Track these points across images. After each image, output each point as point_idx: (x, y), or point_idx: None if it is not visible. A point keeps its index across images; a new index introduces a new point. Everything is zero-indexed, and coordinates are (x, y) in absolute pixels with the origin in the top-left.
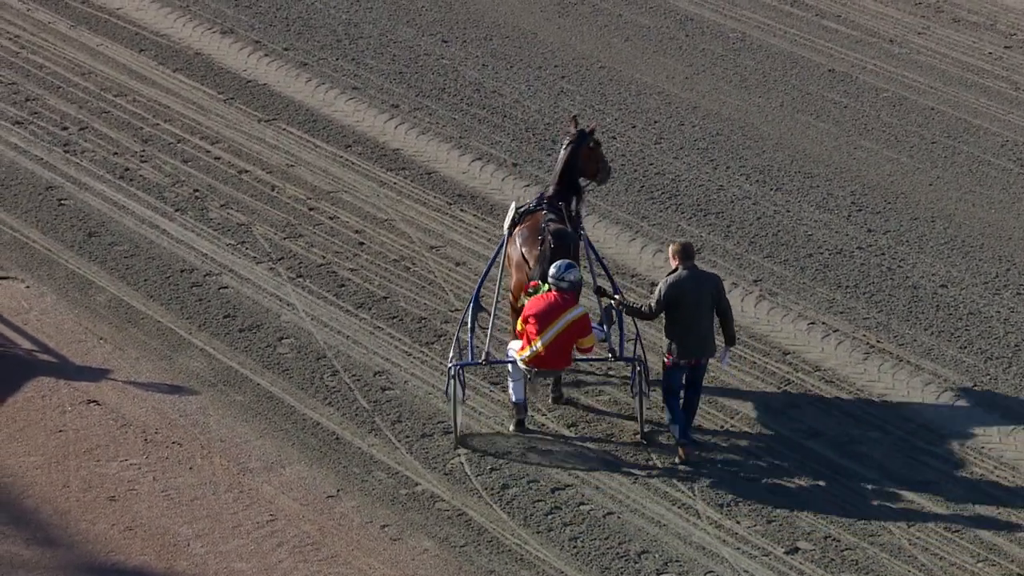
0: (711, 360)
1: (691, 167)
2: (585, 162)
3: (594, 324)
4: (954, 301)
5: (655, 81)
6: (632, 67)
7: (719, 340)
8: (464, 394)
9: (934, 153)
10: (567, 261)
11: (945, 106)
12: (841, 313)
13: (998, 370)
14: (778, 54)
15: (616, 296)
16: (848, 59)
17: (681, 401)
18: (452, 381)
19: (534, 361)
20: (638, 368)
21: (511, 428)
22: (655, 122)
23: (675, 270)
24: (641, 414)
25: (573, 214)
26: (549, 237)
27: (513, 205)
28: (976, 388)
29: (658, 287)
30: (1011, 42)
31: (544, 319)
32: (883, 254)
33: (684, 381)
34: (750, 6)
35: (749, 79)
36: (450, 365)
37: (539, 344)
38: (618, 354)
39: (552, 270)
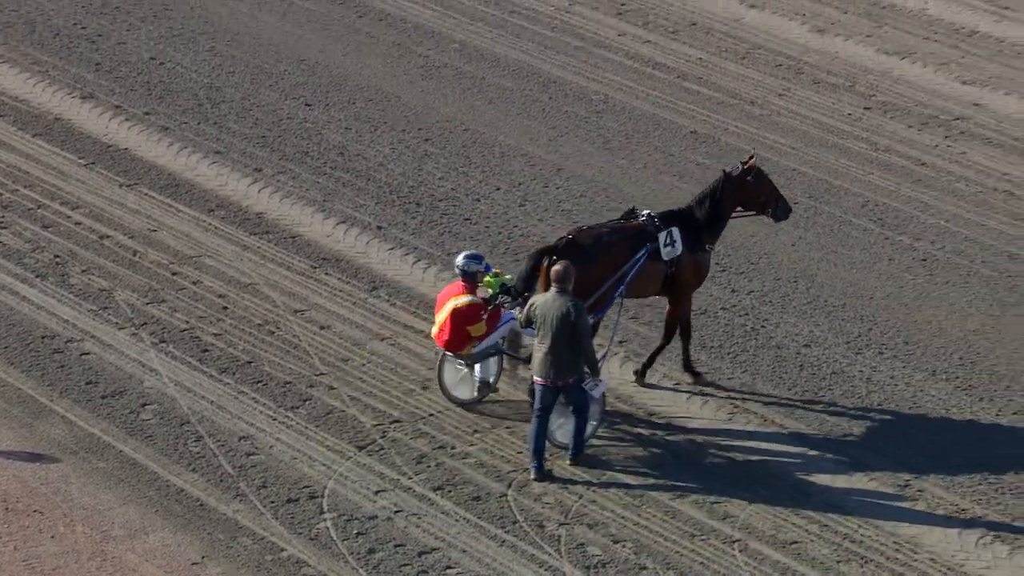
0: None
1: (556, 229)
2: (743, 196)
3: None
4: (817, 361)
5: (519, 143)
6: (496, 129)
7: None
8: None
9: (796, 214)
10: (474, 252)
11: (806, 167)
12: (705, 374)
13: (861, 429)
14: (641, 116)
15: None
16: (710, 121)
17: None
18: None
19: (436, 339)
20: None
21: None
22: (519, 184)
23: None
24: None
25: (665, 239)
26: (534, 252)
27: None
28: (841, 447)
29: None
30: (870, 103)
31: (440, 302)
32: (747, 314)
33: (563, 403)
34: (612, 68)
35: (612, 141)
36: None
37: (435, 325)
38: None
39: (458, 258)
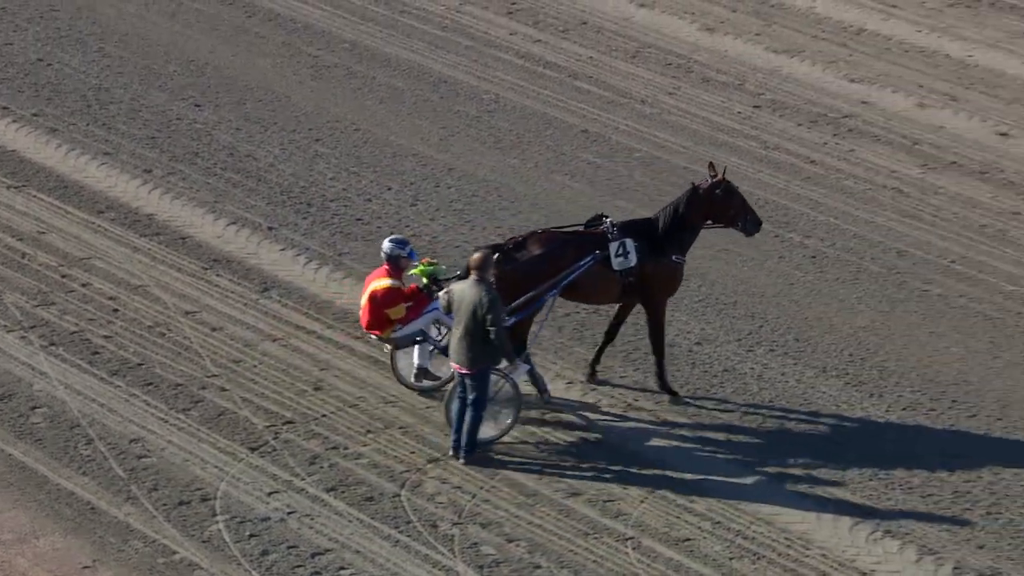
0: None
1: (447, 228)
2: (711, 209)
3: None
4: (709, 358)
5: (410, 143)
6: (387, 129)
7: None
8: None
9: None
10: (399, 238)
11: (697, 165)
12: (598, 372)
13: (753, 426)
14: (532, 115)
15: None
16: (601, 119)
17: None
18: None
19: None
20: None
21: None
22: (411, 184)
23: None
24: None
25: (616, 249)
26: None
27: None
28: (733, 444)
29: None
30: (759, 101)
31: (365, 284)
32: (639, 312)
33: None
34: (503, 68)
35: (504, 140)
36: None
37: (360, 306)
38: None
39: (384, 243)
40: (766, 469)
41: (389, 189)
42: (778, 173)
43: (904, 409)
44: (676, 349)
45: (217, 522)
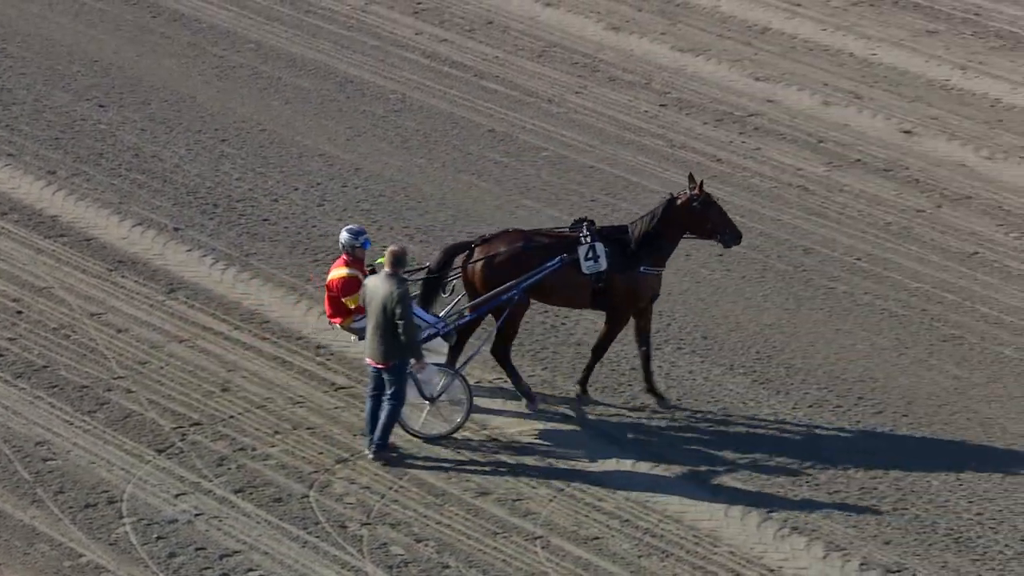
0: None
1: None
2: (689, 221)
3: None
4: (617, 357)
5: (316, 143)
6: (293, 129)
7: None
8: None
9: (594, 211)
10: (355, 227)
11: (604, 164)
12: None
13: (661, 424)
14: (439, 115)
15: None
16: (508, 119)
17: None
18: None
19: None
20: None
21: None
22: (318, 184)
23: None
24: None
25: (586, 253)
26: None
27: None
28: (641, 442)
29: None
30: (666, 100)
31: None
32: (547, 311)
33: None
34: (409, 67)
35: (410, 140)
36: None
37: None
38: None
39: (341, 232)
40: (674, 467)
41: (296, 189)
42: (685, 171)
43: (811, 406)
44: (584, 348)
45: (124, 524)
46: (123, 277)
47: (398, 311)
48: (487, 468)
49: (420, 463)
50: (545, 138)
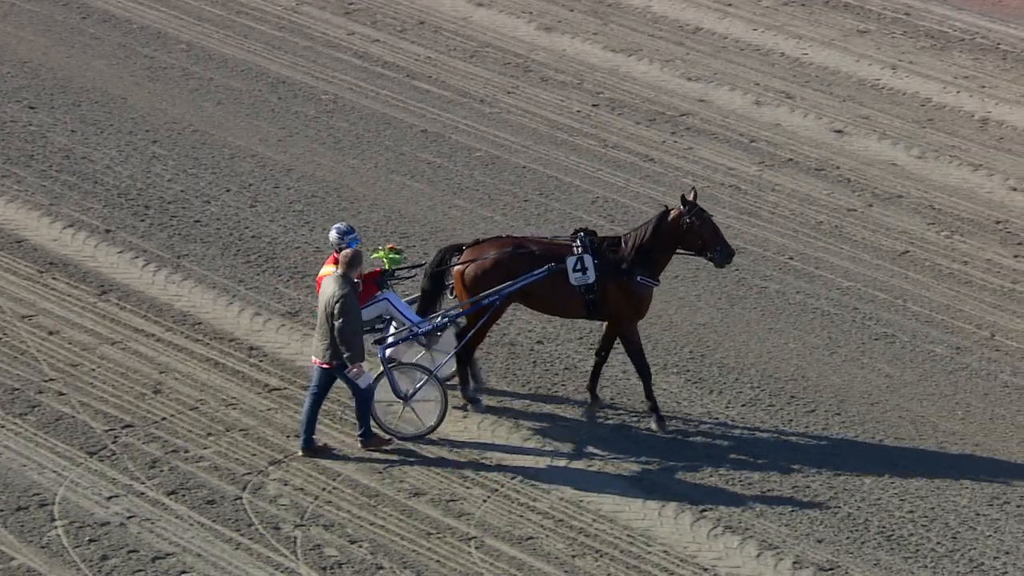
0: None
1: (287, 229)
2: (681, 236)
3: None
4: (550, 357)
5: (249, 144)
6: (225, 130)
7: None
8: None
9: (527, 211)
10: (341, 226)
11: (537, 164)
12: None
13: (594, 424)
14: (371, 115)
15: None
16: (440, 119)
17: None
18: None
19: None
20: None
21: None
22: (250, 185)
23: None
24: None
25: (574, 264)
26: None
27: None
28: (575, 442)
29: None
30: (598, 100)
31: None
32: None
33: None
34: (341, 68)
35: (343, 140)
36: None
37: None
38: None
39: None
40: (608, 467)
41: (228, 191)
42: (617, 171)
43: (744, 405)
44: (518, 348)
45: (56, 527)
46: (54, 279)
47: (336, 311)
48: (421, 469)
49: (353, 464)
50: (478, 138)
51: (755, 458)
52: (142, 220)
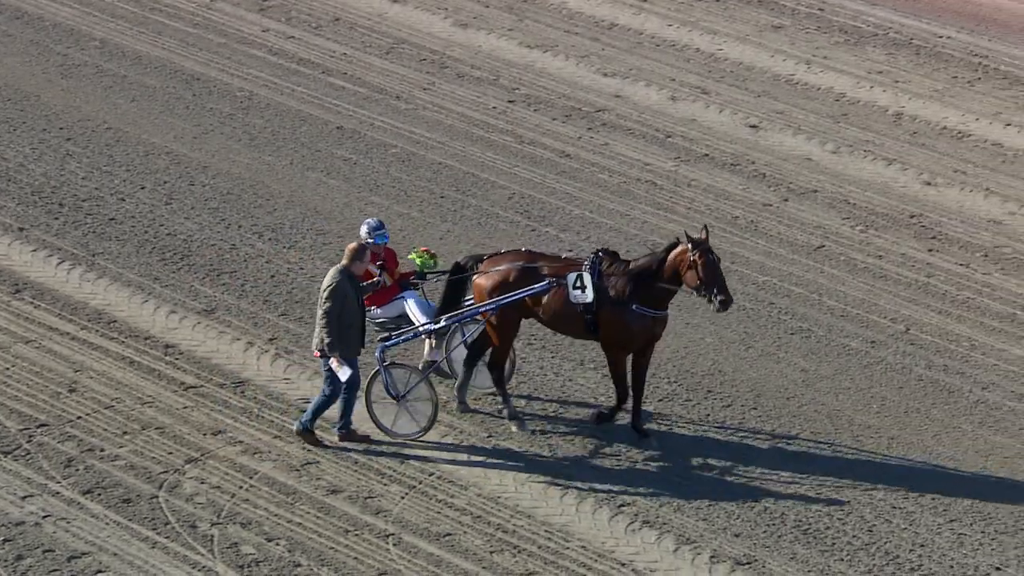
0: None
1: (203, 227)
2: (683, 271)
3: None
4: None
5: (163, 141)
6: (139, 128)
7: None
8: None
9: (443, 207)
10: (373, 221)
11: (453, 160)
12: (359, 369)
13: (498, 422)
14: (286, 112)
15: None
16: (356, 116)
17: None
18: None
19: None
20: None
21: None
22: (165, 182)
23: None
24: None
25: (574, 281)
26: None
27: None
28: (491, 438)
29: None
30: (514, 96)
31: None
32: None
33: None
34: (256, 65)
35: (258, 137)
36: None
37: None
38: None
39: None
40: (525, 462)
41: (143, 188)
42: (534, 167)
43: (661, 400)
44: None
45: None
46: None
47: (321, 299)
48: (339, 466)
49: (270, 462)
50: (394, 135)
51: (672, 453)
52: (56, 218)
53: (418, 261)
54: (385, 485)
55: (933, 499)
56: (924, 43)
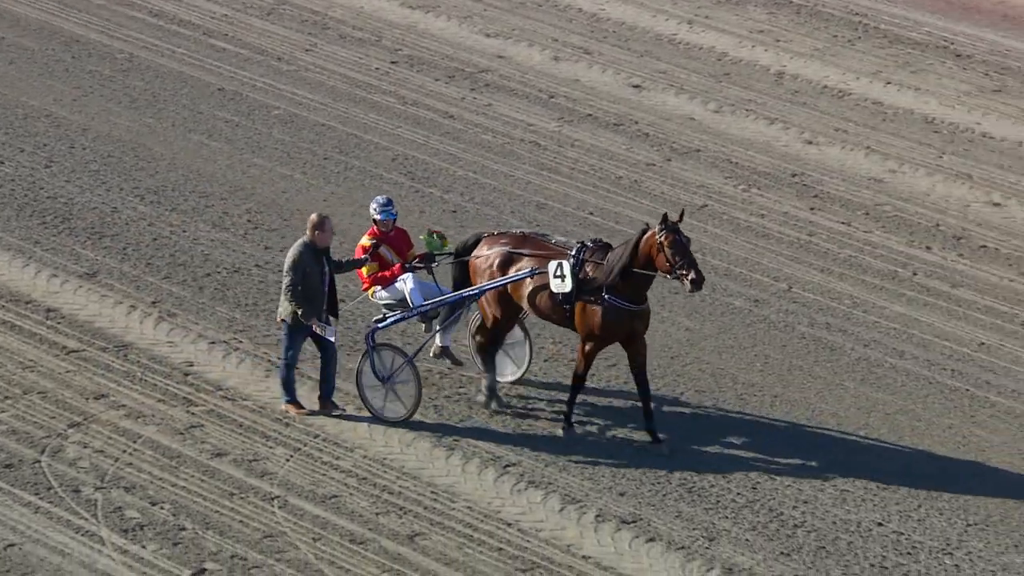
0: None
1: (84, 190)
2: (655, 256)
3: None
4: (352, 316)
5: (43, 104)
6: (18, 90)
7: None
8: None
9: (327, 169)
10: (381, 198)
11: (336, 122)
12: (242, 331)
13: (399, 380)
14: (167, 74)
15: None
16: (238, 77)
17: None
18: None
19: None
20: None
21: None
22: (44, 145)
23: None
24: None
25: (555, 270)
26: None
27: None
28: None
29: None
30: (397, 57)
31: None
32: (281, 271)
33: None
34: (136, 26)
35: (139, 99)
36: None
37: None
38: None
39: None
40: (412, 425)
41: (22, 151)
42: (417, 128)
43: (546, 360)
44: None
45: None
46: None
47: (284, 269)
48: (223, 429)
49: (154, 426)
50: (276, 96)
51: (557, 413)
52: None
53: (425, 241)
54: (270, 448)
55: (816, 456)
56: (805, 2)
